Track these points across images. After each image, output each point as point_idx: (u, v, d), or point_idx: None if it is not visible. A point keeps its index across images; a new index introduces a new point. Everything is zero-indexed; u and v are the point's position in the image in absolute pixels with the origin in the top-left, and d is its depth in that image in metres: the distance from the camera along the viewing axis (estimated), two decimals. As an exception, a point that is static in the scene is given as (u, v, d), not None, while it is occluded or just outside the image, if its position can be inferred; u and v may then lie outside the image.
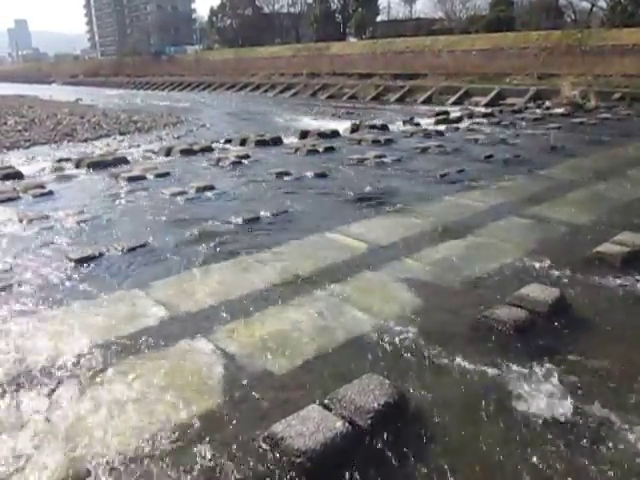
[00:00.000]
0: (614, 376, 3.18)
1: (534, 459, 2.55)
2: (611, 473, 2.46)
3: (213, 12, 68.72)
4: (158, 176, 9.02)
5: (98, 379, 3.26)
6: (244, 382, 3.20)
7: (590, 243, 5.09)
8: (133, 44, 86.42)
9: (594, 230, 5.69)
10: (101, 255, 5.30)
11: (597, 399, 2.96)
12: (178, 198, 7.40)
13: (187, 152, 11.39)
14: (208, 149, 11.78)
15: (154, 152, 12.06)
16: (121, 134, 16.67)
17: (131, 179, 8.78)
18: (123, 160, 10.63)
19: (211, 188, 7.86)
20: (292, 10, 64.84)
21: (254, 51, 49.27)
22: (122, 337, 3.73)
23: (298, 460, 2.52)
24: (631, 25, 27.95)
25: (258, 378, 3.24)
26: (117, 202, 7.47)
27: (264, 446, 2.64)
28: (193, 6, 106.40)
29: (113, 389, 3.16)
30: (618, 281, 4.40)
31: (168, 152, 11.60)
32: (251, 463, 2.56)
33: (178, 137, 15.62)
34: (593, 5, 36.54)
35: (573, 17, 39.12)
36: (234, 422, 2.86)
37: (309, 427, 2.64)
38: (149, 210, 6.96)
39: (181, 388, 3.14)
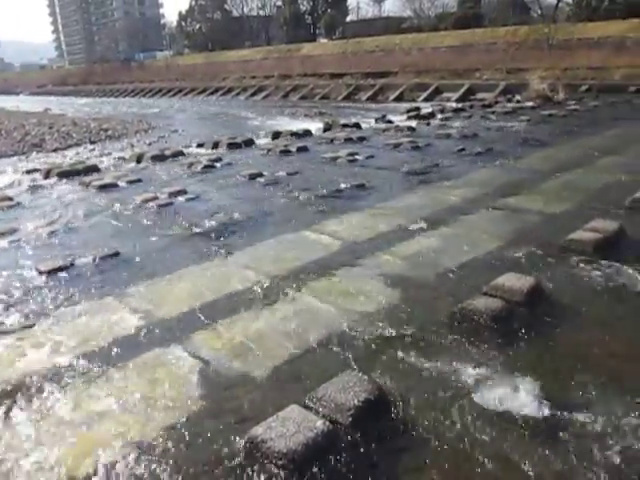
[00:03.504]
0: (589, 360, 3.19)
1: (517, 451, 2.54)
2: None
3: (182, 17, 68.29)
4: (130, 183, 8.88)
5: (70, 392, 3.16)
6: (222, 387, 3.14)
7: (563, 231, 5.13)
8: (101, 51, 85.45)
9: (567, 218, 5.75)
10: (72, 265, 5.17)
11: (573, 383, 2.97)
12: (150, 204, 7.29)
13: (159, 158, 11.24)
14: (180, 154, 11.66)
15: (125, 159, 11.88)
16: (92, 143, 16.38)
17: (102, 187, 8.63)
18: (94, 168, 10.44)
19: (184, 193, 7.76)
20: (261, 13, 64.78)
21: (224, 55, 49.08)
22: (95, 347, 3.63)
23: (280, 462, 2.47)
24: (596, 19, 28.53)
25: (236, 382, 3.18)
26: (88, 211, 7.32)
27: (245, 449, 2.58)
28: (161, 11, 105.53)
29: (86, 400, 3.07)
30: (591, 267, 4.44)
31: (139, 159, 11.44)
32: (232, 468, 2.51)
33: (150, 143, 15.42)
34: (559, 0, 37.16)
35: (540, 12, 39.70)
36: (213, 428, 2.80)
37: (290, 428, 2.59)
38: (121, 217, 6.84)
39: (157, 396, 3.07)
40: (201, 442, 2.70)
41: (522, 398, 2.87)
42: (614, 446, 2.51)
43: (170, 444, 2.70)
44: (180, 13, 68.78)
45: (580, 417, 2.72)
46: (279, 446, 2.50)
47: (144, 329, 3.86)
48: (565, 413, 2.74)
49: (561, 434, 2.61)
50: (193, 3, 67.06)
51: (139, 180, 9.07)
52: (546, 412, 2.76)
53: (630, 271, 4.30)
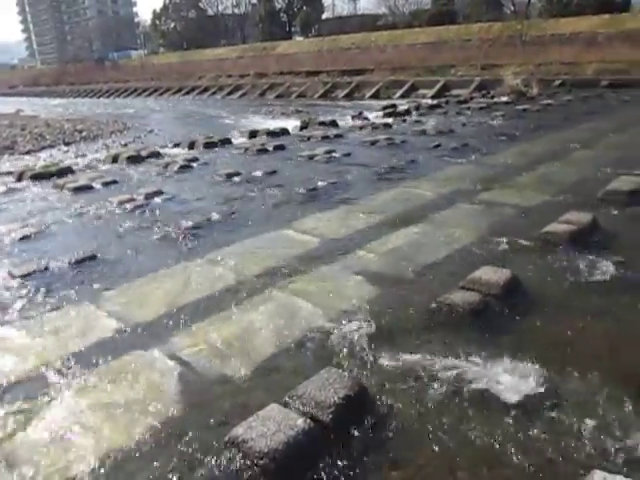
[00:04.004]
0: (566, 347, 3.25)
1: (494, 438, 2.57)
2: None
3: (156, 15, 67.54)
4: (105, 184, 8.76)
5: (47, 399, 3.11)
6: (202, 388, 3.12)
7: (538, 224, 5.21)
8: (74, 51, 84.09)
9: (542, 211, 5.84)
10: (47, 269, 5.09)
11: (550, 371, 3.02)
12: (127, 206, 7.20)
13: (135, 159, 11.10)
14: (156, 154, 11.53)
15: (101, 160, 11.70)
16: (66, 144, 16.11)
17: (77, 189, 8.50)
18: (68, 170, 10.27)
19: (160, 193, 7.69)
20: (236, 11, 64.43)
21: (200, 54, 48.69)
22: (72, 353, 3.57)
23: (261, 462, 2.46)
24: (567, 15, 29.01)
25: (216, 383, 3.16)
26: (63, 213, 7.20)
27: (226, 451, 2.57)
28: (135, 10, 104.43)
29: (64, 407, 3.02)
30: (566, 258, 4.52)
31: (115, 159, 11.29)
32: (213, 469, 2.49)
33: (125, 144, 15.22)
34: (531, -4, 37.69)
35: (512, 9, 40.16)
36: (194, 430, 2.77)
37: (270, 427, 2.58)
38: (97, 220, 6.75)
39: (137, 401, 3.03)
40: (181, 444, 2.68)
41: (502, 388, 2.91)
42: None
43: (150, 448, 2.67)
44: (154, 12, 68.02)
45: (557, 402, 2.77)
46: (260, 445, 2.49)
47: (122, 332, 3.82)
48: (546, 399, 2.79)
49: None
50: (167, 1, 66.39)
51: (115, 181, 8.95)
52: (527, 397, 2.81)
53: (603, 261, 4.39)
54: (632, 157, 8.17)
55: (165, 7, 66.52)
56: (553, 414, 2.71)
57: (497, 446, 2.53)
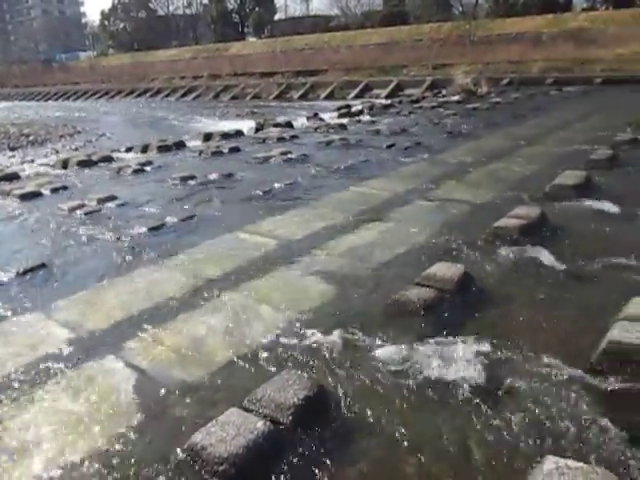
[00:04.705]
0: (514, 338, 3.36)
1: (453, 429, 2.64)
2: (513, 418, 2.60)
3: (104, 16, 65.88)
4: (54, 190, 8.48)
5: (-4, 413, 3.00)
6: (159, 396, 3.06)
7: (490, 219, 5.35)
8: (19, 52, 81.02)
9: (493, 207, 6.01)
10: (-8, 280, 4.90)
11: (501, 361, 3.13)
12: (77, 212, 7.00)
13: (85, 163, 10.80)
14: (108, 159, 11.24)
15: (49, 165, 11.35)
16: (11, 149, 15.58)
17: (24, 196, 8.19)
18: (14, 176, 9.90)
19: (113, 199, 7.50)
20: (188, 11, 63.49)
21: (152, 55, 47.80)
22: (22, 367, 3.45)
23: (221, 468, 2.44)
24: (513, 15, 29.90)
25: (174, 390, 3.11)
26: (9, 222, 6.95)
27: (185, 458, 2.54)
28: (82, 10, 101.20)
29: (14, 422, 2.92)
30: (516, 252, 4.66)
31: (65, 164, 10.95)
32: (172, 478, 2.46)
33: (76, 148, 14.83)
34: (478, -2, 38.69)
35: (461, 9, 41.11)
36: (152, 439, 2.73)
37: (230, 432, 2.57)
38: (46, 227, 6.53)
39: (92, 412, 2.95)
40: (138, 454, 2.63)
41: (459, 379, 3.00)
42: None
43: (108, 460, 2.61)
44: (102, 12, 66.33)
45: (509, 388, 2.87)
46: (219, 451, 2.47)
47: (75, 342, 3.71)
48: (494, 385, 2.89)
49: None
50: (116, 1, 64.85)
51: (65, 187, 8.68)
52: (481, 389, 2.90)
53: (551, 253, 4.56)
54: (575, 152, 8.51)
55: (114, 7, 64.94)
56: (501, 400, 2.80)
57: (453, 437, 2.59)
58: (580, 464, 2.22)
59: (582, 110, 13.66)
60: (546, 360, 3.11)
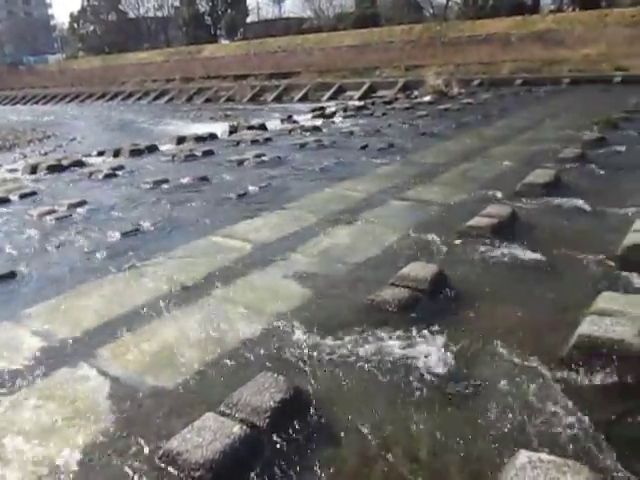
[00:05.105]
0: (486, 335, 3.41)
1: (425, 423, 2.66)
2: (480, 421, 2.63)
3: (74, 18, 64.69)
4: (23, 196, 8.31)
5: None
6: (134, 403, 3.02)
7: (462, 218, 5.43)
8: (-17, 55, 79.08)
9: (465, 206, 6.09)
10: (-40, 290, 4.78)
11: (472, 357, 3.18)
12: (47, 218, 6.86)
13: (55, 168, 10.60)
14: (79, 163, 11.05)
15: (18, 171, 11.13)
16: (-23, 155, 15.21)
17: (-9, 202, 8.01)
18: (-20, 182, 9.70)
19: (84, 204, 7.38)
20: (159, 14, 62.76)
21: (123, 58, 47.18)
22: (-8, 376, 3.38)
23: (197, 474, 2.42)
24: (483, 17, 30.33)
25: (149, 396, 3.08)
26: (-24, 229, 6.78)
27: (161, 465, 2.51)
28: (50, 12, 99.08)
29: (-17, 434, 2.86)
30: (489, 250, 4.74)
31: (34, 170, 10.72)
32: (148, 486, 2.43)
33: (45, 153, 14.56)
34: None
35: (432, 11, 41.55)
36: (127, 447, 2.69)
37: (206, 437, 2.55)
38: (15, 234, 6.38)
39: (65, 421, 2.90)
40: (113, 462, 2.59)
41: (431, 375, 3.04)
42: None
43: (81, 467, 2.57)
44: (72, 14, 65.12)
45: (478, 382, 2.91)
46: (195, 457, 2.45)
47: (47, 351, 3.64)
48: (467, 381, 2.93)
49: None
50: (85, 3, 63.78)
51: (34, 193, 8.52)
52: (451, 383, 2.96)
53: (522, 250, 4.65)
54: (544, 151, 8.68)
55: (83, 9, 63.82)
56: (471, 395, 2.84)
57: (425, 440, 2.62)
58: (552, 457, 2.26)
59: (551, 110, 13.93)
60: (518, 354, 3.17)
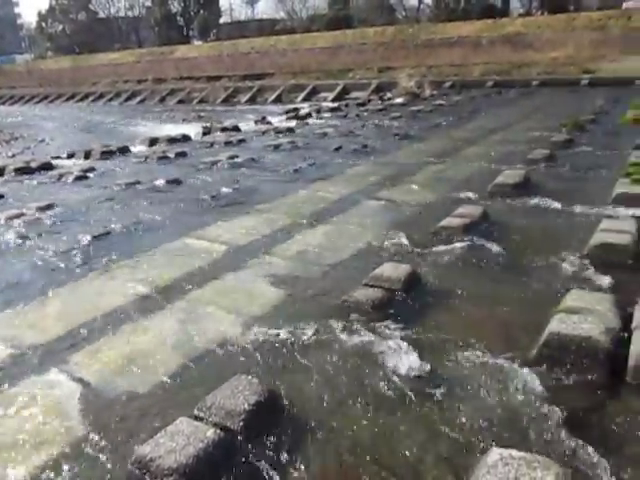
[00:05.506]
0: (458, 332, 3.46)
1: (403, 424, 2.68)
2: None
3: (42, 17, 63.24)
4: (-10, 200, 8.12)
5: None
6: (106, 408, 2.98)
7: (435, 218, 5.49)
8: (-53, 56, 76.84)
9: (437, 206, 6.16)
10: None
11: (443, 354, 3.23)
12: (15, 222, 6.70)
13: (24, 171, 10.38)
14: (48, 166, 10.83)
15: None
16: (-60, 158, 14.76)
17: (-44, 206, 7.80)
18: (-56, 186, 9.41)
19: (54, 207, 7.24)
20: (130, 14, 61.86)
21: (93, 58, 46.33)
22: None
23: (170, 479, 2.39)
24: (455, 19, 30.67)
25: (121, 401, 3.03)
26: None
27: (133, 472, 2.47)
28: (17, 10, 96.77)
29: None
30: (460, 249, 4.80)
31: (1, 172, 10.48)
32: (121, 492, 2.40)
33: (13, 155, 14.21)
34: (420, 2, 39.54)
35: (404, 13, 41.91)
36: (99, 453, 2.65)
37: (179, 442, 2.52)
38: (-19, 238, 6.23)
39: (36, 429, 2.84)
40: (85, 470, 2.55)
41: (404, 371, 3.09)
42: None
43: (52, 476, 2.52)
44: (40, 13, 63.69)
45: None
46: (169, 462, 2.42)
47: (16, 358, 3.56)
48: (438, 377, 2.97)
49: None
50: (54, 2, 62.46)
51: (1, 196, 8.31)
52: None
53: (493, 250, 4.72)
54: (514, 152, 8.83)
55: (51, 8, 62.45)
56: (443, 393, 2.88)
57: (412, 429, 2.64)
58: (523, 454, 2.30)
59: (520, 112, 14.18)
60: (488, 351, 3.22)
